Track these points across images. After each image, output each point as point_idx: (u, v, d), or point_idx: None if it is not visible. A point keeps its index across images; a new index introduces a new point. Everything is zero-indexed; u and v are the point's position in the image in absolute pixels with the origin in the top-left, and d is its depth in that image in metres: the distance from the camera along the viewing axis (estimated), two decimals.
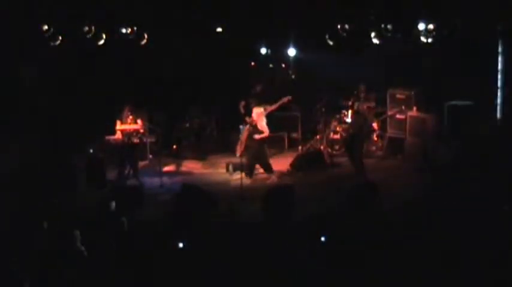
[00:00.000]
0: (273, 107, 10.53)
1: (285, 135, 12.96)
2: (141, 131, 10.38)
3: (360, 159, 10.35)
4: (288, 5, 10.54)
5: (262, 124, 10.26)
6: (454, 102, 10.93)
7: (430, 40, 9.99)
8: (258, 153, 10.32)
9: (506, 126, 10.41)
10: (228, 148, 11.77)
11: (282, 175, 10.75)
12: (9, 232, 7.23)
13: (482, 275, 6.09)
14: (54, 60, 11.07)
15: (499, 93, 10.71)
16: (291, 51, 12.24)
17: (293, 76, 13.53)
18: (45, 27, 9.98)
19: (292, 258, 6.49)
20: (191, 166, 11.61)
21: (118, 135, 10.25)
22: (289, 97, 10.63)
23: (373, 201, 8.53)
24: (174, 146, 12.26)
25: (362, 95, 11.80)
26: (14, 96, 10.66)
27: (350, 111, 11.56)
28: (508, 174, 8.93)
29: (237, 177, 10.06)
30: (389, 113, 11.71)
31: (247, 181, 10.17)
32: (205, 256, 6.49)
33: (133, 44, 11.09)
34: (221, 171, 10.96)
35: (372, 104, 11.74)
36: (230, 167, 10.79)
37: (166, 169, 11.12)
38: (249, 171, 10.33)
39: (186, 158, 11.95)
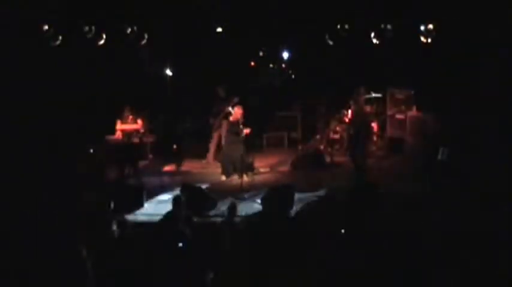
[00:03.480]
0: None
1: (285, 135, 13.00)
2: (141, 131, 10.39)
3: (363, 159, 10.32)
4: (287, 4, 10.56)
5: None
6: None
7: (429, 40, 10.05)
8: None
9: None
10: None
11: (282, 174, 10.81)
12: None
13: (481, 275, 6.11)
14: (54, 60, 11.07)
15: None
16: (285, 54, 12.33)
17: (293, 76, 13.57)
18: (45, 27, 10.00)
19: (291, 258, 6.50)
20: (191, 166, 11.63)
21: (118, 135, 10.25)
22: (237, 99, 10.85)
23: (373, 201, 8.54)
24: (174, 146, 12.28)
25: (361, 95, 11.81)
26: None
27: (350, 111, 11.57)
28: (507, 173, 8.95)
29: (236, 177, 10.12)
30: (389, 113, 11.75)
31: (247, 180, 10.19)
32: (204, 256, 6.49)
33: (134, 44, 11.11)
34: (221, 171, 10.96)
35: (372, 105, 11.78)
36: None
37: (166, 169, 11.14)
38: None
39: (186, 158, 11.98)
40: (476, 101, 10.39)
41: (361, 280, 6.11)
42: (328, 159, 11.41)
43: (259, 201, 8.93)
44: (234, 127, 10.24)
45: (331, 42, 11.39)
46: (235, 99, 10.83)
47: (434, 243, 6.90)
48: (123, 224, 7.28)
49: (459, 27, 9.77)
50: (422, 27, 10.11)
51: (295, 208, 8.63)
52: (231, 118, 10.39)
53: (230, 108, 10.58)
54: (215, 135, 11.57)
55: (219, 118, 11.34)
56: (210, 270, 6.12)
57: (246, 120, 10.26)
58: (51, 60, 10.93)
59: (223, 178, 10.37)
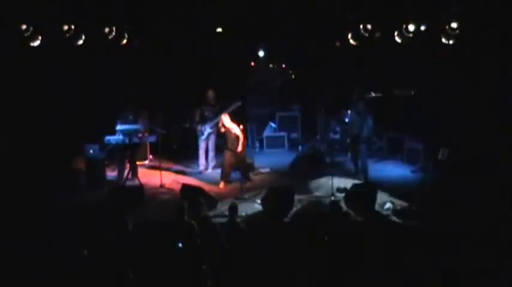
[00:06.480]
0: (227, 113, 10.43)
1: (285, 135, 12.99)
2: (141, 131, 10.37)
3: (363, 159, 10.30)
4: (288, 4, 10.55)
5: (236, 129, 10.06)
6: None
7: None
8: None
9: None
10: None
11: (282, 175, 10.81)
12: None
13: (481, 274, 6.11)
14: (54, 59, 11.06)
15: None
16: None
17: (293, 76, 13.57)
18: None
19: (292, 258, 6.50)
20: (191, 166, 11.61)
21: (118, 135, 10.23)
22: (239, 103, 10.60)
23: (372, 201, 8.54)
24: (174, 146, 12.29)
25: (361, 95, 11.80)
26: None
27: (349, 111, 11.56)
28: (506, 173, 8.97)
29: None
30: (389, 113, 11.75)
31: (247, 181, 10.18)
32: (204, 256, 6.49)
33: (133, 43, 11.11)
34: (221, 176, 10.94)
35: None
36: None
37: (166, 169, 11.12)
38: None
39: (185, 158, 11.98)
40: (476, 101, 10.41)
41: (362, 279, 6.12)
42: (328, 159, 11.40)
43: (259, 201, 8.93)
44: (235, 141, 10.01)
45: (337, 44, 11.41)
46: (237, 104, 10.61)
47: (434, 243, 6.91)
48: (124, 224, 7.29)
49: (459, 27, 9.77)
50: (422, 27, 10.13)
51: (294, 209, 8.64)
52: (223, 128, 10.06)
53: (223, 116, 10.29)
54: (204, 144, 11.16)
55: (213, 124, 10.89)
56: (210, 270, 6.12)
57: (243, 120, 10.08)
58: (51, 60, 10.95)
59: (221, 185, 10.09)
